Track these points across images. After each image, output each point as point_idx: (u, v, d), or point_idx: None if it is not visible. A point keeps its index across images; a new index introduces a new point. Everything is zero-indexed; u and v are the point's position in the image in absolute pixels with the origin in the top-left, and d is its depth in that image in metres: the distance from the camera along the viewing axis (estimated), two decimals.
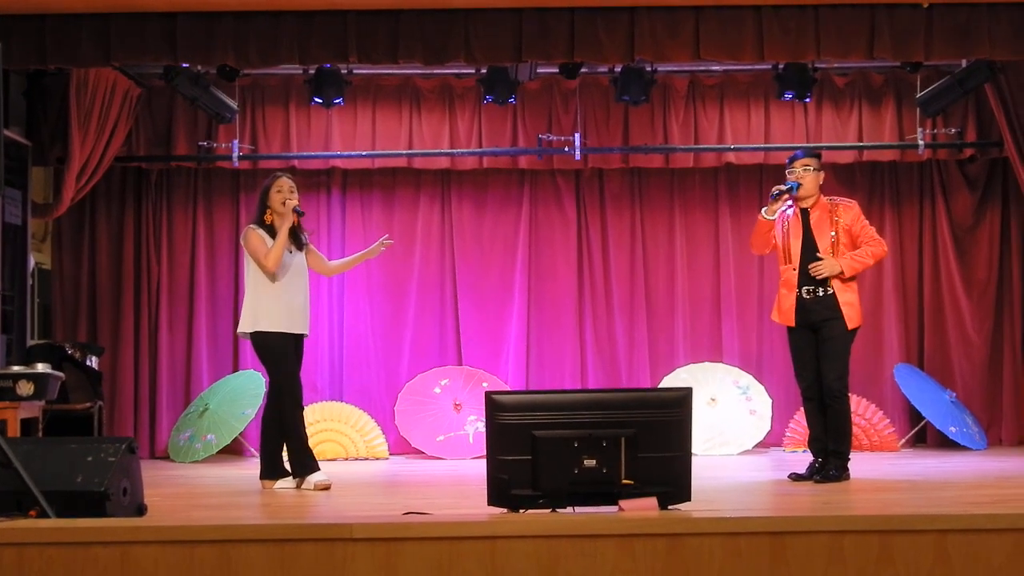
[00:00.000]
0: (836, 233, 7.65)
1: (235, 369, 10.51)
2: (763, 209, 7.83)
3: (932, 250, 10.67)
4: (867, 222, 7.80)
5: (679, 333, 10.67)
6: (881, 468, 8.72)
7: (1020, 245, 10.57)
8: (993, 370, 10.60)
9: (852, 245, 7.69)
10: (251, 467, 9.44)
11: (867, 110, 10.50)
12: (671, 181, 10.76)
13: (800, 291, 7.71)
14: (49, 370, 8.47)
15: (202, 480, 8.49)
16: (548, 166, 10.60)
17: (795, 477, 7.78)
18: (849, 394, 7.80)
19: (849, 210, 7.75)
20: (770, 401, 10.23)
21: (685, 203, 10.77)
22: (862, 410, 10.09)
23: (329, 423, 10.05)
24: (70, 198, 9.73)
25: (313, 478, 7.50)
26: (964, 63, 9.45)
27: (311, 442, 9.58)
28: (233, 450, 10.20)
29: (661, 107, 10.45)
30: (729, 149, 10.43)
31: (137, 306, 10.50)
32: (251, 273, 7.69)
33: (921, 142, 10.23)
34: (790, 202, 7.81)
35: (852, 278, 7.67)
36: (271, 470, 7.67)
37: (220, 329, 10.62)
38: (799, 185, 7.74)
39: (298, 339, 7.73)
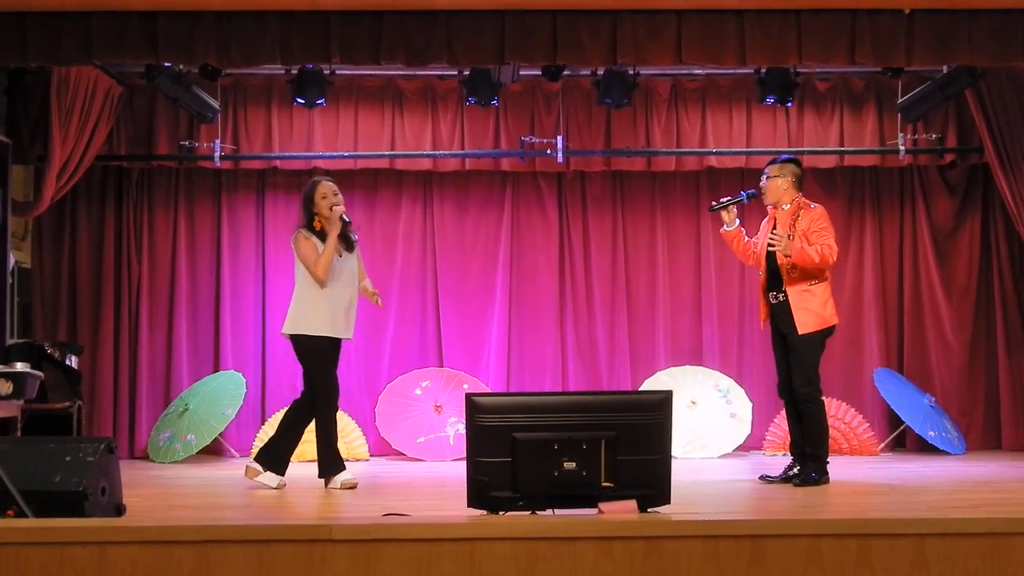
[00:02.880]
0: (792, 236, 7.70)
1: (216, 369, 10.48)
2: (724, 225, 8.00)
3: (912, 255, 10.71)
4: (826, 227, 7.76)
5: (660, 336, 10.69)
6: (860, 472, 8.75)
7: (999, 251, 10.62)
8: (972, 375, 10.64)
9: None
10: (231, 467, 9.43)
11: (848, 115, 10.54)
12: (653, 184, 10.78)
13: (767, 296, 7.82)
14: (28, 369, 8.45)
15: (181, 480, 8.47)
16: (530, 168, 10.60)
17: (766, 479, 7.81)
18: (823, 397, 7.83)
19: (809, 214, 7.80)
20: (750, 404, 10.25)
21: (667, 206, 10.79)
22: (841, 414, 10.13)
23: (310, 424, 10.01)
24: (51, 196, 9.69)
25: (340, 477, 7.60)
26: (945, 69, 9.50)
27: None
28: (213, 450, 10.18)
29: (643, 110, 10.47)
30: (711, 153, 10.45)
31: (117, 305, 10.47)
32: (300, 275, 7.79)
33: (902, 147, 10.27)
34: (770, 208, 7.90)
35: (814, 283, 7.70)
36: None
37: (201, 329, 10.59)
38: (752, 194, 7.98)
39: (338, 342, 7.78)
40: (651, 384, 10.25)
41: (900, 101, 10.05)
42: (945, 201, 10.73)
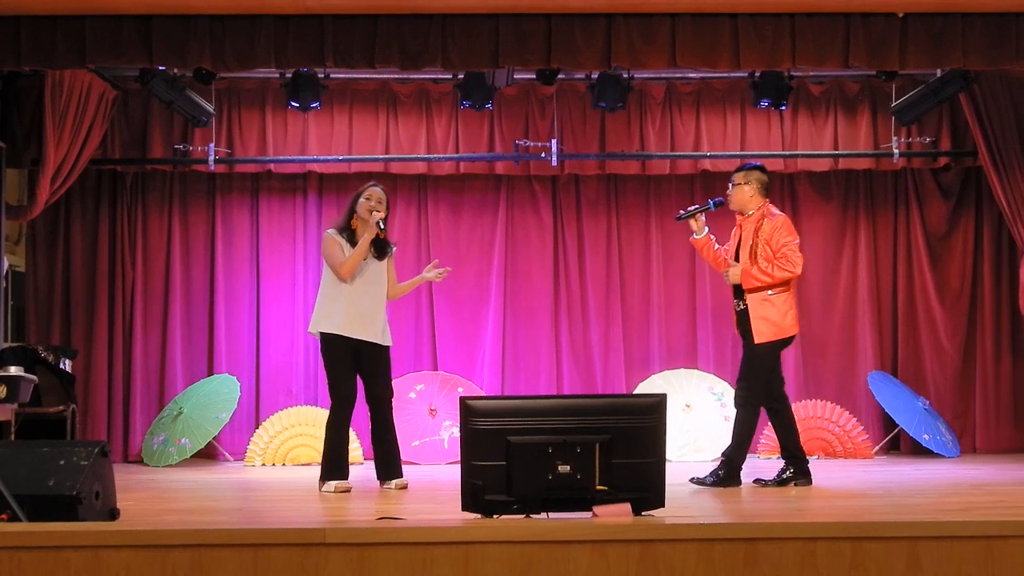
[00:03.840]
0: (754, 244, 7.74)
1: (210, 373, 10.48)
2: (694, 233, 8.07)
3: (906, 258, 10.72)
4: (789, 239, 7.75)
5: (654, 339, 10.69)
6: (855, 475, 8.75)
7: (993, 254, 10.63)
8: (966, 378, 10.66)
9: (772, 258, 7.74)
10: (225, 471, 9.42)
11: (842, 118, 10.55)
12: (647, 188, 10.78)
13: (734, 303, 7.93)
14: (22, 373, 8.44)
15: (175, 484, 8.45)
16: (525, 172, 10.61)
17: (760, 482, 7.83)
18: (758, 406, 7.83)
19: (772, 222, 7.82)
20: None
21: (661, 210, 10.79)
22: (836, 417, 10.14)
23: (304, 427, 10.02)
24: (44, 200, 9.68)
25: (333, 483, 7.59)
26: (939, 72, 9.51)
27: (286, 445, 9.60)
28: (207, 454, 10.18)
29: (638, 114, 10.48)
30: (705, 156, 10.46)
31: (111, 309, 10.46)
32: (324, 274, 7.81)
33: (896, 151, 10.28)
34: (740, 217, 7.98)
35: (774, 293, 7.72)
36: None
37: (195, 333, 10.59)
38: (720, 202, 8.04)
39: (361, 345, 7.72)
40: (645, 387, 10.25)
41: (894, 104, 10.07)
42: (939, 204, 10.75)
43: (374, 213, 7.67)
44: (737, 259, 7.86)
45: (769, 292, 7.71)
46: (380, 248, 7.80)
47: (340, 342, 7.66)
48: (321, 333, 7.72)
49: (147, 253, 10.58)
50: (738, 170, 8.04)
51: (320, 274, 7.95)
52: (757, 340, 7.71)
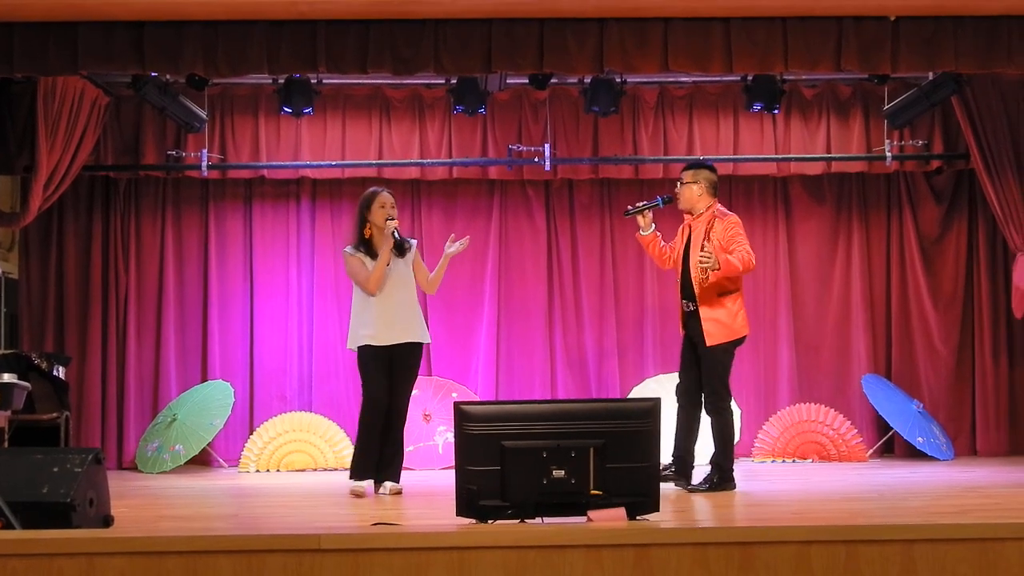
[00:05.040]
0: (706, 243, 7.76)
1: (204, 379, 10.46)
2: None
3: (899, 261, 10.73)
4: (741, 237, 7.78)
5: (648, 343, 10.69)
6: (849, 478, 8.76)
7: (986, 257, 10.65)
8: (959, 381, 10.67)
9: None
10: (219, 478, 9.42)
11: (835, 122, 10.56)
12: (640, 192, 10.75)
13: (682, 303, 7.91)
14: (15, 380, 8.42)
15: (170, 491, 8.44)
16: (518, 176, 10.61)
17: (686, 487, 7.80)
18: (732, 405, 7.89)
19: (723, 222, 7.85)
20: (738, 411, 10.22)
21: (655, 213, 10.76)
22: (830, 420, 10.15)
23: (298, 433, 10.02)
24: (37, 207, 9.67)
25: (352, 484, 7.65)
26: (931, 75, 9.52)
27: (280, 451, 9.60)
28: (201, 460, 10.16)
29: (630, 118, 10.49)
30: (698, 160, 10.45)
31: (105, 316, 10.44)
32: (355, 291, 7.88)
33: (888, 154, 10.30)
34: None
35: (725, 295, 7.75)
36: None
37: (189, 339, 10.57)
38: (668, 199, 8.10)
39: (395, 349, 7.77)
40: (639, 391, 10.25)
41: (886, 108, 10.08)
42: (932, 207, 10.76)
43: (388, 222, 7.71)
44: (687, 259, 7.86)
45: (721, 294, 7.73)
46: (399, 248, 7.85)
47: (373, 352, 7.71)
48: (356, 348, 7.80)
49: (140, 259, 10.57)
50: (687, 168, 8.11)
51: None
52: (709, 343, 7.73)
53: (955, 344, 10.68)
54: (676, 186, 8.09)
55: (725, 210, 7.99)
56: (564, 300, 10.78)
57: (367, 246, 7.82)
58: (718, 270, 7.56)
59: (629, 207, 8.21)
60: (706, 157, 10.40)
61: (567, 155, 10.47)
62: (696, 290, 7.77)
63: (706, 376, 7.80)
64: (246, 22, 8.37)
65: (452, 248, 7.97)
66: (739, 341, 7.85)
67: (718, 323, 7.73)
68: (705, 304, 7.75)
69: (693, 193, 7.92)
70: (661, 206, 8.13)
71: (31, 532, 4.59)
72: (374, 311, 7.73)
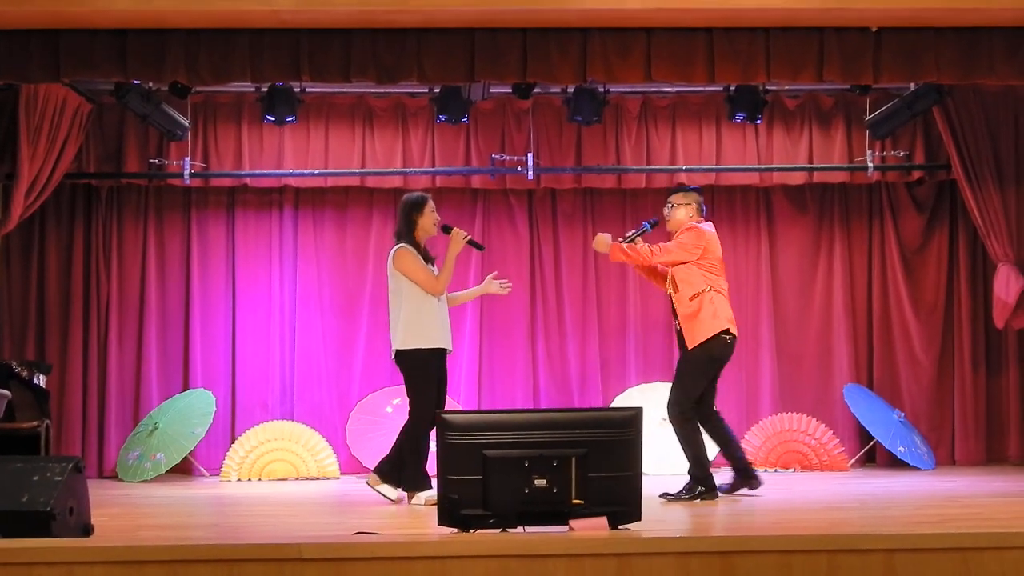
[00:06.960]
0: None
1: (185, 387, 10.43)
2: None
3: (881, 271, 10.76)
4: (682, 240, 7.95)
5: (631, 352, 10.70)
6: (830, 488, 8.78)
7: (968, 267, 10.68)
8: (940, 391, 10.69)
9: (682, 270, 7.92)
10: (201, 486, 9.39)
11: (817, 132, 10.59)
12: (623, 201, 10.80)
13: (675, 323, 8.09)
14: None
15: (150, 500, 8.42)
16: (501, 185, 10.61)
17: (666, 496, 7.87)
18: (685, 418, 7.97)
19: (686, 230, 8.01)
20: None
21: (637, 223, 10.76)
22: (812, 429, 10.17)
23: (280, 442, 10.00)
24: (19, 215, 9.63)
25: (424, 495, 7.59)
26: (912, 86, 9.56)
27: (262, 460, 9.59)
28: (183, 469, 10.13)
29: (613, 127, 10.50)
30: (681, 170, 10.46)
31: (86, 324, 10.40)
32: (407, 290, 7.92)
33: (870, 164, 10.33)
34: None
35: (694, 299, 7.84)
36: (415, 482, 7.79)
37: (170, 347, 10.54)
38: (655, 222, 8.31)
39: (444, 355, 7.92)
40: (622, 401, 10.25)
41: (868, 118, 10.12)
42: (913, 218, 10.79)
43: (456, 230, 8.06)
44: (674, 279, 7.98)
45: (691, 300, 7.84)
46: (427, 255, 8.08)
47: (433, 357, 7.79)
48: (420, 349, 7.78)
49: (122, 267, 10.53)
50: (678, 191, 8.27)
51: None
52: (690, 345, 7.86)
53: (936, 354, 10.70)
54: (666, 208, 8.22)
55: (698, 223, 8.07)
56: (547, 309, 10.78)
57: (419, 249, 7.98)
58: (605, 253, 8.03)
59: (619, 239, 8.29)
60: (689, 167, 10.45)
61: (550, 164, 10.47)
62: (674, 304, 7.94)
63: (676, 381, 7.99)
64: (229, 31, 8.36)
65: (492, 286, 8.30)
66: (720, 339, 7.87)
67: (691, 325, 7.85)
68: (683, 315, 7.90)
69: (684, 215, 8.05)
70: (649, 230, 8.27)
71: (10, 541, 4.57)
72: (434, 314, 7.84)
